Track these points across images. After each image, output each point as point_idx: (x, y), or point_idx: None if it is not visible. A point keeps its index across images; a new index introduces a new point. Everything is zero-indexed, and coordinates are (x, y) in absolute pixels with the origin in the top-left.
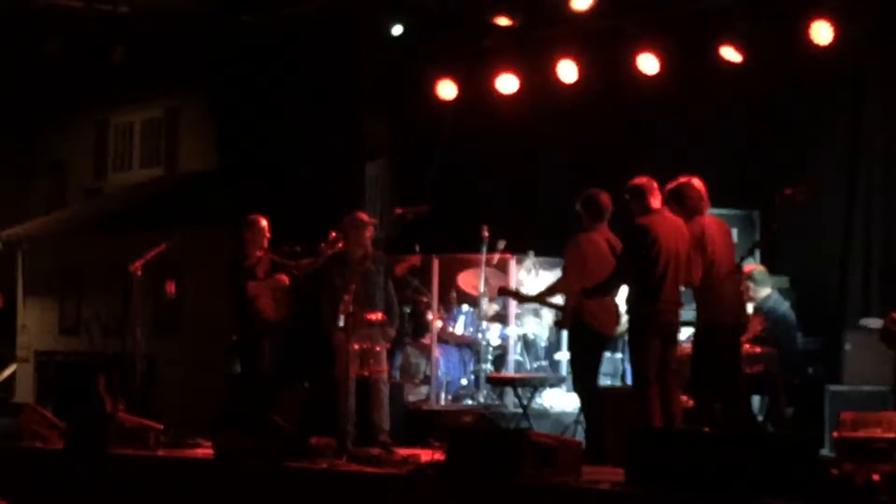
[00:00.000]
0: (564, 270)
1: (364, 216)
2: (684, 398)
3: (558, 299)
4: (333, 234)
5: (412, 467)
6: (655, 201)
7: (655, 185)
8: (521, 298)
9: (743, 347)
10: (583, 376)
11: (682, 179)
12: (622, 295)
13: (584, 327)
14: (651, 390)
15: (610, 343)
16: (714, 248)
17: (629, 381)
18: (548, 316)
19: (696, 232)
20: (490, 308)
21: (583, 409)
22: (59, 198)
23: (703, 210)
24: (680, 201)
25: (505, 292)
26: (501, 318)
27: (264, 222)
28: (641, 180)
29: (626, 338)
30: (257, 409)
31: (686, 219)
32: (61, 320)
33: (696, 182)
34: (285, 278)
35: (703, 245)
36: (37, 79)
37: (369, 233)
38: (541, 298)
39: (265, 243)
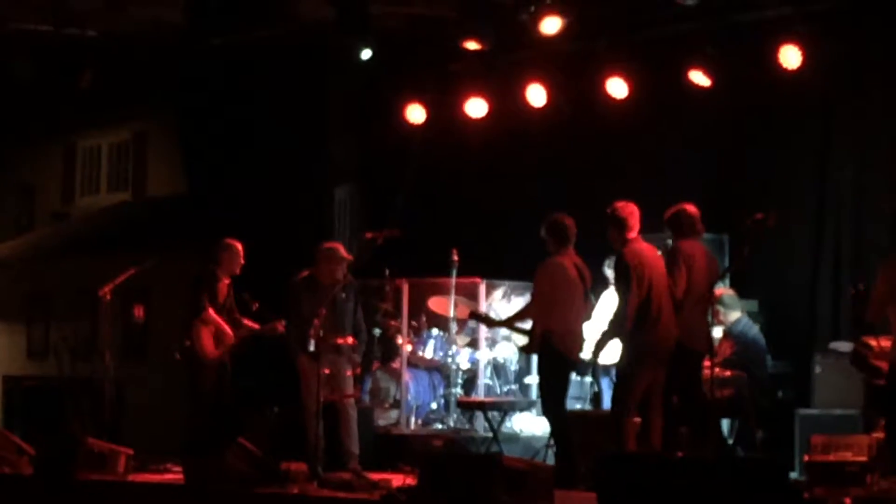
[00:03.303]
0: (534, 296)
1: (342, 251)
2: (638, 420)
3: (526, 324)
4: (281, 326)
5: (384, 492)
6: (633, 232)
7: (636, 214)
8: (491, 323)
9: (713, 371)
10: (551, 401)
11: (677, 206)
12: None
13: (552, 352)
14: (628, 419)
15: (577, 367)
16: (695, 273)
17: (604, 404)
18: (518, 340)
19: (685, 251)
20: (461, 339)
21: (553, 433)
22: (26, 221)
23: (693, 234)
24: (672, 226)
25: (475, 316)
26: (473, 343)
27: (240, 247)
28: (624, 211)
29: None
30: (218, 433)
31: (681, 240)
32: (29, 345)
33: (689, 208)
34: (230, 332)
35: (690, 265)
36: (4, 102)
37: (343, 268)
38: (509, 323)
39: (237, 269)
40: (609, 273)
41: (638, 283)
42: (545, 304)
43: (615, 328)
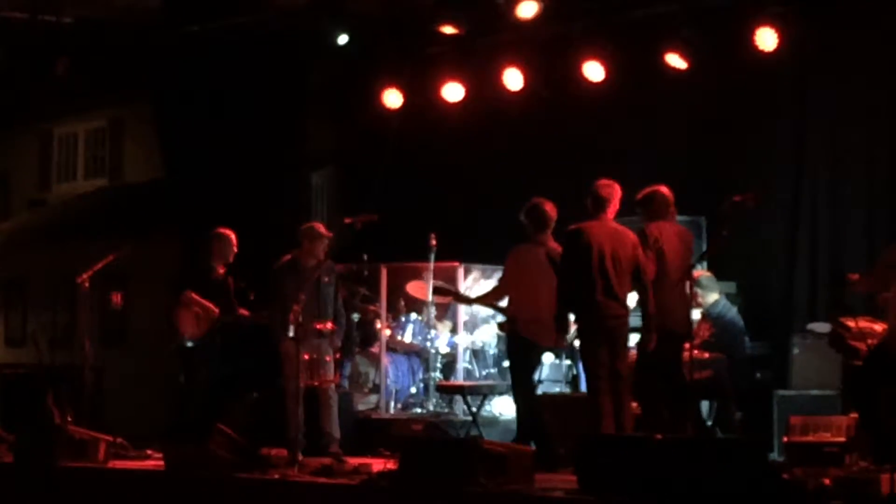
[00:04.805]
0: (501, 279)
1: (321, 228)
2: (634, 405)
3: (501, 302)
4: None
5: (364, 477)
6: (606, 212)
7: (617, 195)
8: (459, 299)
9: (691, 353)
10: (519, 385)
11: (651, 188)
12: None
13: (518, 337)
14: (601, 399)
15: (545, 352)
16: (667, 254)
17: (582, 387)
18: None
19: (653, 233)
20: (443, 325)
21: (518, 416)
22: (2, 209)
23: (666, 216)
24: (645, 207)
25: (441, 291)
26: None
27: (233, 236)
28: (604, 191)
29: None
30: (199, 419)
31: (648, 221)
32: (7, 332)
33: (663, 189)
34: (216, 310)
35: (658, 247)
36: None
37: (324, 245)
38: (482, 301)
39: (231, 258)
40: None
41: (580, 257)
42: (512, 289)
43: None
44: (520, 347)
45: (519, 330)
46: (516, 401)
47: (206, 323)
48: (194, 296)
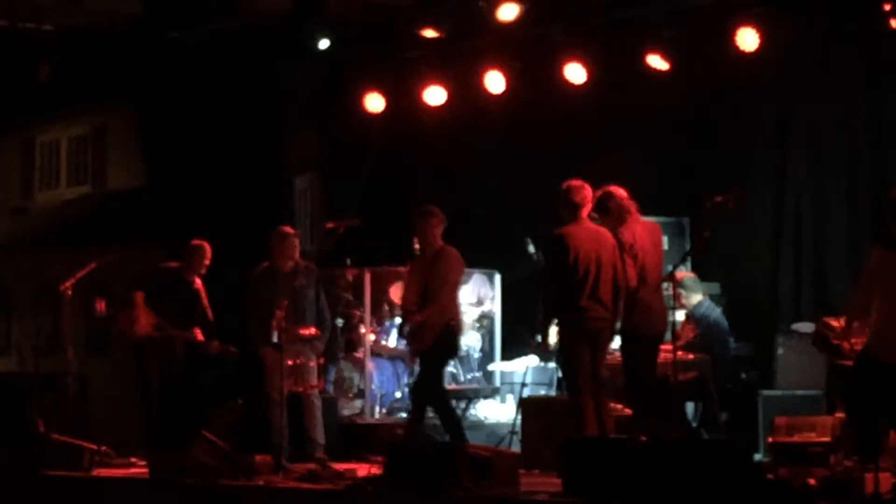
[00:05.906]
0: (447, 287)
1: (287, 228)
2: (619, 406)
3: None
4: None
5: (349, 482)
6: (582, 214)
7: (588, 196)
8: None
9: (675, 354)
10: (440, 384)
11: (602, 189)
12: None
13: (453, 340)
14: (584, 400)
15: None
16: (643, 258)
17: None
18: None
19: (627, 239)
20: None
21: (442, 416)
22: None
23: (626, 217)
24: (603, 210)
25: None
26: None
27: (206, 247)
28: (576, 196)
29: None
30: (180, 426)
31: (615, 226)
32: None
33: (616, 190)
34: (143, 323)
35: (635, 253)
36: None
37: (293, 244)
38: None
39: (203, 270)
40: (531, 249)
41: (565, 262)
42: (454, 293)
43: (547, 309)
44: (452, 350)
45: (454, 331)
46: (434, 400)
47: (147, 328)
48: (136, 299)
